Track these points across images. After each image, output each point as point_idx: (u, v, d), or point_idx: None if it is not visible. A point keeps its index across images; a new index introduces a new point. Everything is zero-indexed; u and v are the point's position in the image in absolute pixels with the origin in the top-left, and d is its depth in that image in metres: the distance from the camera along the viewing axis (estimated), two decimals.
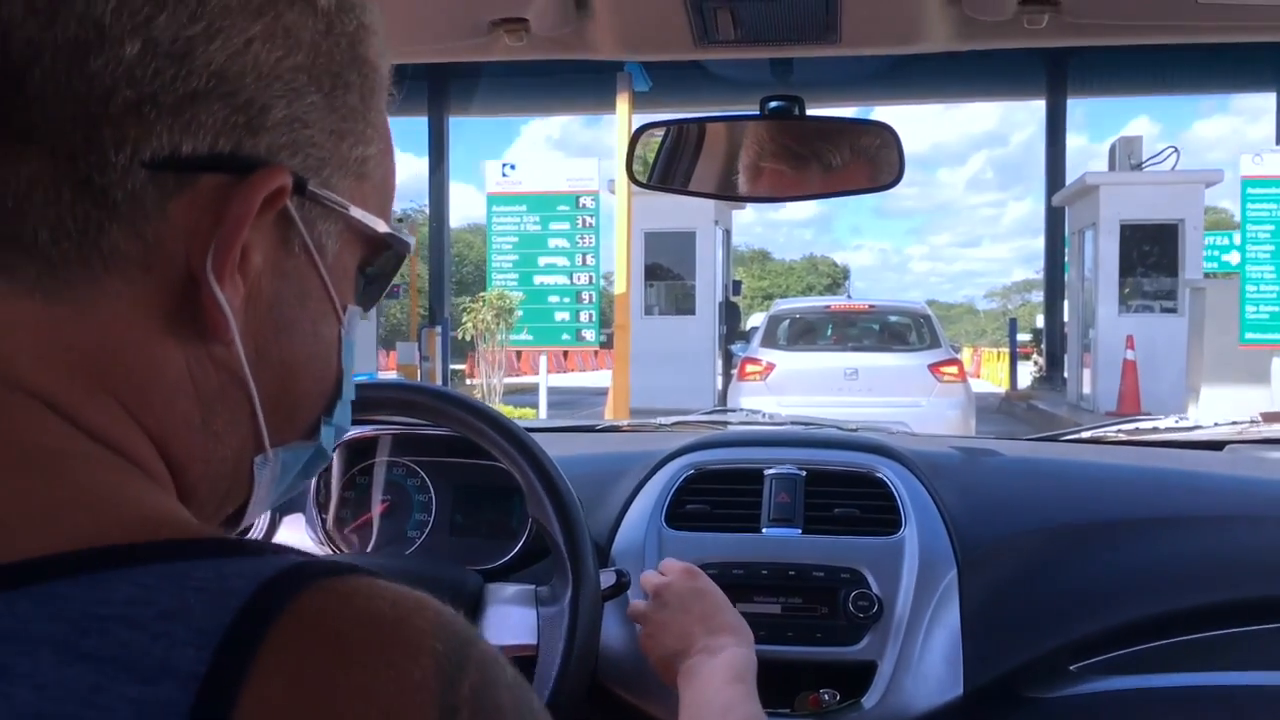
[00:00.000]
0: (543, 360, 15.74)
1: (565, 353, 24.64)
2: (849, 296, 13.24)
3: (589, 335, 14.57)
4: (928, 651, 1.32)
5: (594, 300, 14.46)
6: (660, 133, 1.38)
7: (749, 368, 10.30)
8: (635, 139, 1.34)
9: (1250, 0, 1.20)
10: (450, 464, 1.52)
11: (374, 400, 1.33)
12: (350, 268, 0.53)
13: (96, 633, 0.34)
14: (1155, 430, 1.79)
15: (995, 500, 1.49)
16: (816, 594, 1.36)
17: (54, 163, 0.42)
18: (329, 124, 0.48)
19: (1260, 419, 1.76)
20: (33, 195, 0.42)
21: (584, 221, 14.27)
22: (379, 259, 0.54)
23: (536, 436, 1.26)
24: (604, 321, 15.97)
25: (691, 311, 15.28)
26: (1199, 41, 1.32)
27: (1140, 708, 1.33)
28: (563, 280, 14.59)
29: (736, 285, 18.21)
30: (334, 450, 0.57)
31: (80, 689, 0.33)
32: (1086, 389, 14.53)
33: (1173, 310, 14.15)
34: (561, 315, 14.48)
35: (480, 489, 1.50)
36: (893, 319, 11.35)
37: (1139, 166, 14.54)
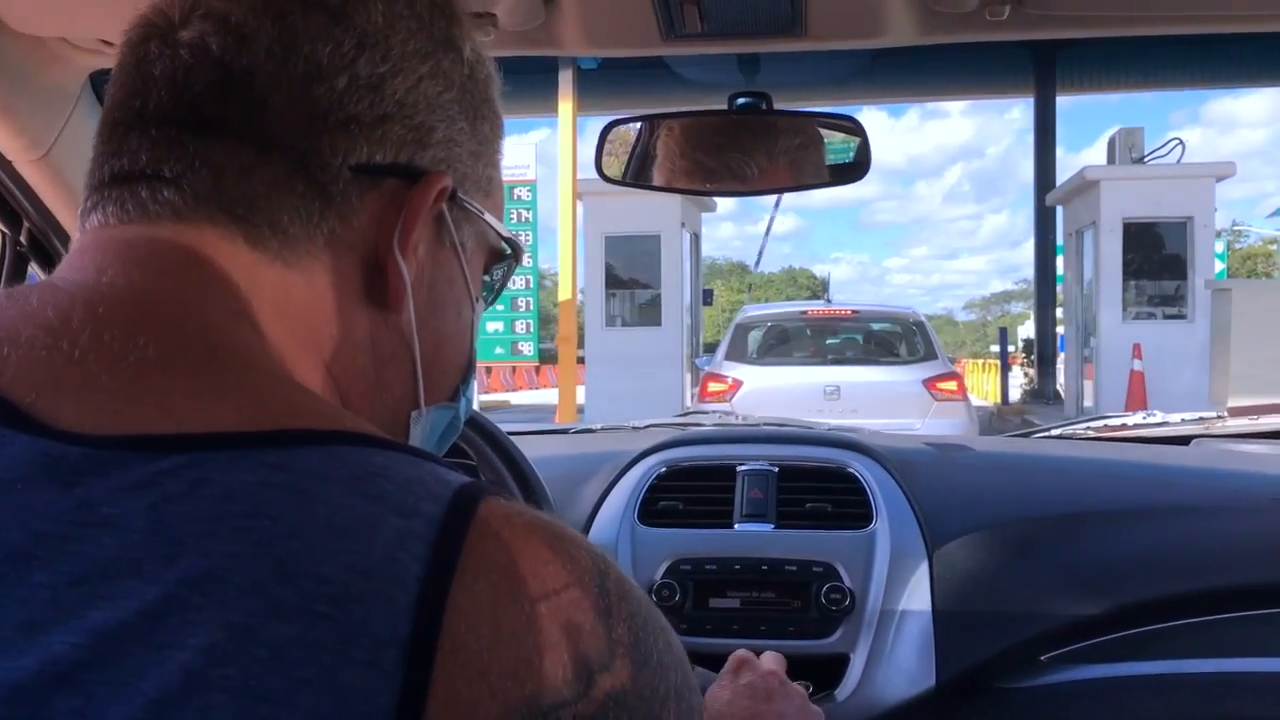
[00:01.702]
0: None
1: (537, 367, 24.26)
2: (829, 301, 12.47)
3: (526, 349, 13.67)
4: (900, 644, 1.47)
5: (532, 308, 13.80)
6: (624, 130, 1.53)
7: (712, 386, 9.75)
8: (604, 136, 1.49)
9: None
10: None
11: None
12: (479, 268, 0.72)
13: (367, 480, 0.51)
14: (1124, 426, 1.97)
15: (965, 494, 1.65)
16: (789, 588, 1.51)
17: (290, 165, 0.61)
18: (471, 146, 0.68)
19: (1226, 414, 1.94)
20: (279, 189, 0.61)
21: (519, 216, 13.64)
22: (496, 264, 0.75)
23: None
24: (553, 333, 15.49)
25: (657, 323, 15.00)
26: (1162, 33, 1.48)
27: (1110, 696, 1.49)
28: None
29: (708, 295, 18.02)
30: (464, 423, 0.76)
31: (361, 513, 0.49)
32: (1088, 402, 14.71)
33: (1180, 316, 14.27)
34: (494, 325, 13.71)
35: None
36: (880, 327, 10.91)
37: (1141, 160, 14.69)
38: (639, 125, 1.50)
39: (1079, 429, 2.01)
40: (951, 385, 9.48)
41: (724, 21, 1.39)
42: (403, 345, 0.67)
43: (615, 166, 1.51)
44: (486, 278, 0.74)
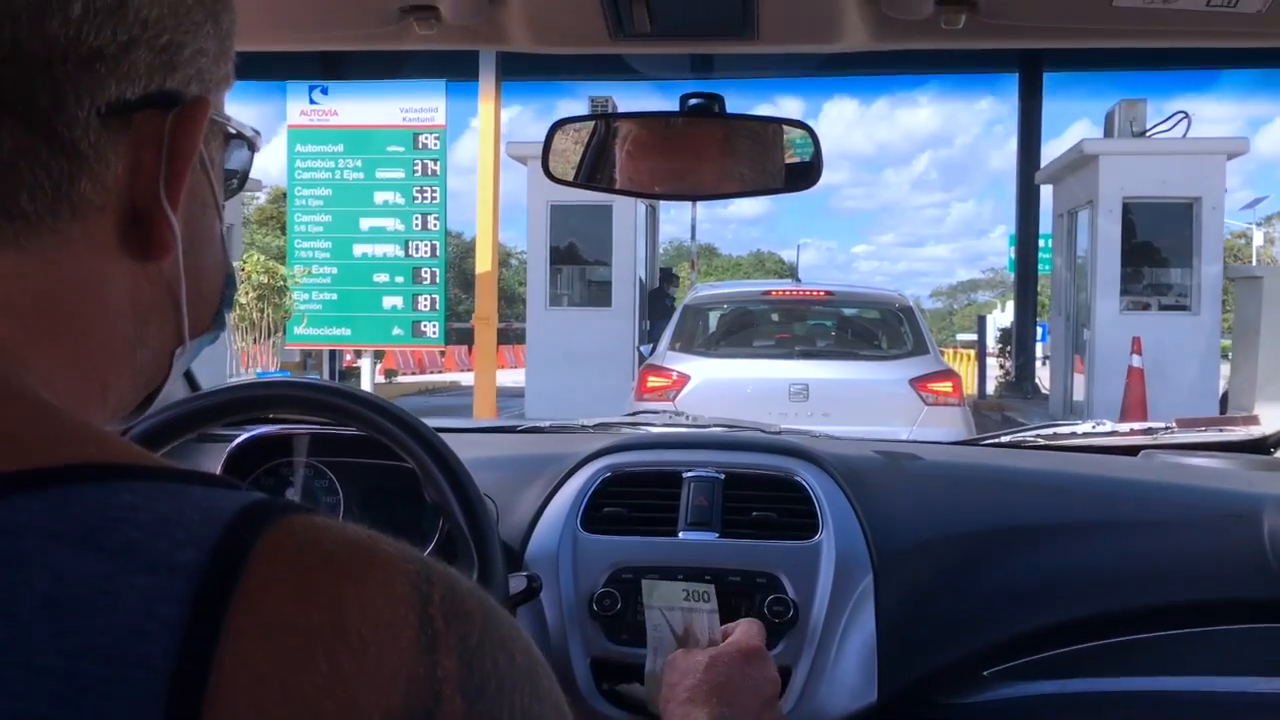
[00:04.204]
0: (366, 364, 14.12)
1: (442, 350, 23.85)
2: (798, 280, 11.49)
3: (431, 330, 12.85)
4: (842, 657, 1.63)
5: (438, 280, 12.76)
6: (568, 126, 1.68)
7: (652, 380, 8.83)
8: (552, 134, 1.64)
9: (1166, 5, 1.53)
10: (359, 465, 1.81)
11: (259, 400, 1.61)
12: (220, 169, 0.70)
13: (105, 531, 0.46)
14: (1073, 435, 2.17)
15: (912, 505, 1.82)
16: (732, 598, 1.67)
17: (29, 126, 0.55)
18: (214, 49, 0.64)
19: (1175, 426, 2.14)
20: (18, 162, 0.55)
21: (425, 168, 12.60)
22: (232, 154, 0.73)
23: (456, 437, 1.56)
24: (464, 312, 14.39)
25: (607, 303, 15.10)
26: (1116, 45, 1.65)
27: (1052, 713, 1.66)
28: (394, 251, 12.81)
29: (665, 273, 18.00)
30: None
31: (93, 577, 0.45)
32: (1079, 397, 14.97)
33: (1184, 308, 14.45)
34: (392, 300, 12.76)
35: (390, 491, 1.80)
36: (859, 313, 10.18)
37: (1143, 134, 14.85)
38: (588, 125, 1.65)
39: (1028, 436, 2.21)
40: (946, 386, 8.52)
41: (674, 22, 1.54)
42: (167, 294, 0.65)
43: (563, 167, 1.66)
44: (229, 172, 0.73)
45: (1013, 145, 18.65)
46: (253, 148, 0.75)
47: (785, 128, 1.66)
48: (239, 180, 0.75)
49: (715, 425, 2.31)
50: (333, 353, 13.88)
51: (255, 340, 13.27)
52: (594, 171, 1.66)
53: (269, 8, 1.52)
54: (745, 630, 1.40)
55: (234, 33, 0.68)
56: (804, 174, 1.65)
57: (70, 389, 0.58)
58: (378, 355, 15.69)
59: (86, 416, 0.57)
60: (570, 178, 1.67)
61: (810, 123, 1.66)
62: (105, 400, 0.63)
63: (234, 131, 0.71)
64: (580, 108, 14.82)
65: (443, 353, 21.64)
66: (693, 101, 1.60)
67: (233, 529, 0.48)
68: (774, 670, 1.38)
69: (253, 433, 1.84)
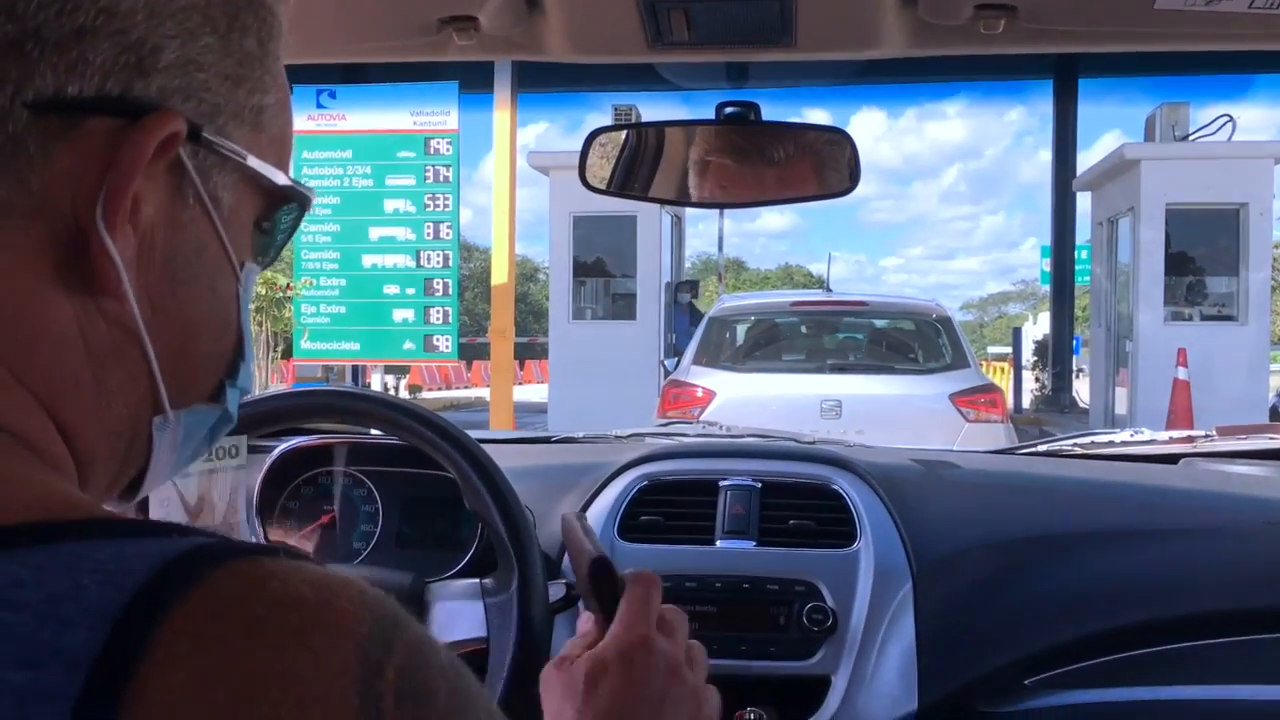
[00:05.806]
0: (376, 378, 14.01)
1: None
2: (829, 290, 11.00)
3: (444, 344, 12.55)
4: (882, 666, 1.68)
5: (451, 291, 12.52)
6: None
7: (676, 396, 8.60)
8: (589, 143, 1.70)
9: (1208, 9, 1.58)
10: (398, 474, 1.87)
11: (301, 408, 1.68)
12: (247, 222, 0.63)
13: None
14: (1111, 444, 2.21)
15: (951, 513, 1.87)
16: (770, 606, 1.72)
17: None
18: (224, 68, 0.58)
19: (1215, 434, 2.19)
20: None
21: (437, 174, 12.29)
22: (277, 212, 0.66)
23: (489, 447, 1.62)
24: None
25: (632, 316, 15.18)
26: (1157, 49, 1.70)
27: None
28: (406, 262, 12.51)
29: (692, 286, 18.01)
30: (237, 414, 0.67)
31: None
32: (1121, 410, 14.94)
33: (1230, 318, 14.43)
34: (403, 314, 12.50)
35: (429, 500, 1.86)
36: (894, 324, 9.96)
37: (1185, 139, 14.83)
38: (624, 134, 1.71)
39: (1065, 445, 2.27)
40: (988, 400, 8.22)
41: (712, 30, 1.60)
42: (129, 340, 0.57)
43: (599, 175, 1.72)
44: (268, 224, 0.66)
45: (1042, 157, 18.96)
46: (304, 205, 0.68)
47: (821, 134, 1.71)
48: (280, 240, 0.68)
49: (749, 435, 2.36)
50: (356, 367, 13.68)
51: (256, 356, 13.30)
52: (628, 180, 1.72)
53: (307, 20, 1.58)
54: (626, 619, 1.01)
55: (262, 62, 0.62)
56: (840, 180, 1.70)
57: (25, 423, 0.53)
58: (393, 370, 15.60)
59: (48, 461, 0.53)
60: (604, 186, 1.72)
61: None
62: (74, 448, 0.56)
63: (270, 181, 0.63)
64: (604, 117, 14.89)
65: (469, 367, 21.78)
66: (729, 110, 1.65)
67: (143, 595, 0.42)
68: (690, 677, 1.00)
69: (292, 443, 1.90)
